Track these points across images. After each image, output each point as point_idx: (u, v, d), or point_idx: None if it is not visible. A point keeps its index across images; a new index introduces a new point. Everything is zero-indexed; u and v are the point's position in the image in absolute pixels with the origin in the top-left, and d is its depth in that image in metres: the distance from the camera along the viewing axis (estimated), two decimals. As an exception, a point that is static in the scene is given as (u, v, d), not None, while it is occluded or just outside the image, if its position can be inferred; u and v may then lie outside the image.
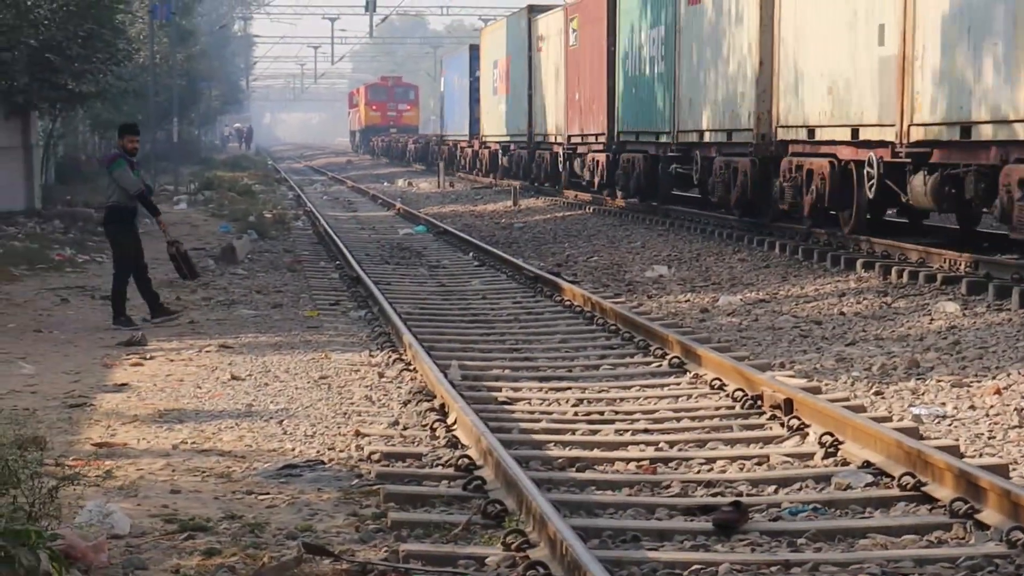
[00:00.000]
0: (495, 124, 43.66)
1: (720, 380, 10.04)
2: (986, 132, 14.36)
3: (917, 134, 15.69)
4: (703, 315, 14.29)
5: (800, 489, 7.40)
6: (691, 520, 6.81)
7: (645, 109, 26.65)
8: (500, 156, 43.47)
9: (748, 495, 7.27)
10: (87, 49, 25.61)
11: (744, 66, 20.78)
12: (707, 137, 22.85)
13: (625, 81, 28.21)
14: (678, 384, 10.40)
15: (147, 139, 20.70)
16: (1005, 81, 13.82)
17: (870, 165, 16.91)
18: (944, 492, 6.93)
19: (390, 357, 11.59)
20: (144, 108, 38.88)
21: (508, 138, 41.79)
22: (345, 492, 7.40)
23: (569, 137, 33.39)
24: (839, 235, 18.31)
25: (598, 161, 30.66)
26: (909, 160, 16.01)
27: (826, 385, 10.10)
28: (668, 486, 7.48)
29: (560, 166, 34.82)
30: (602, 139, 30.01)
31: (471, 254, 21.21)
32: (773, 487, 7.44)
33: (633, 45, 27.46)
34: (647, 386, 10.36)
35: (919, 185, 15.85)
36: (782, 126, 19.72)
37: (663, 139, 25.35)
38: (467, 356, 11.70)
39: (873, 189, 16.89)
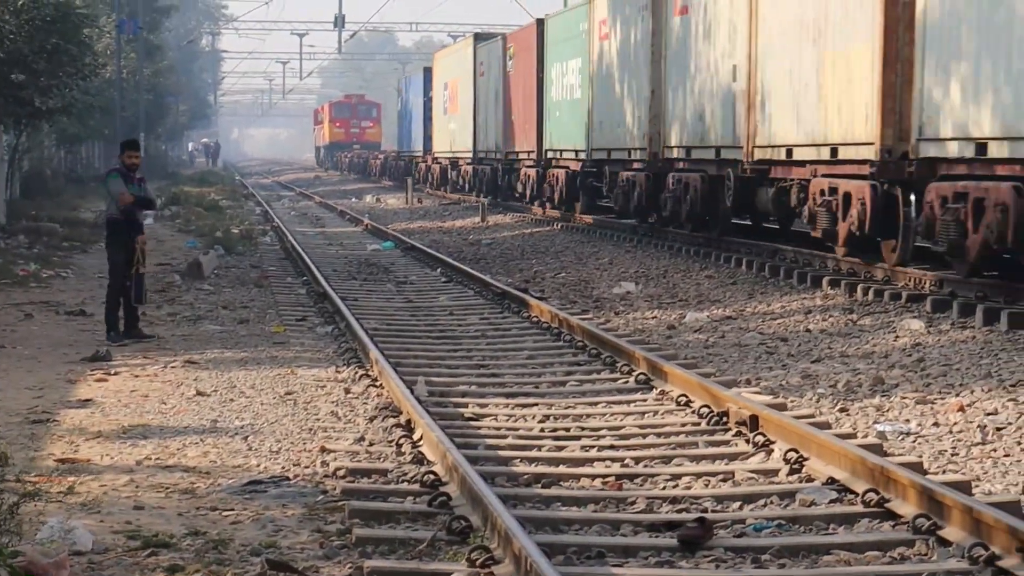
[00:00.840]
0: (445, 141, 46.86)
1: (686, 396, 10.07)
2: (802, 153, 17.73)
3: (759, 154, 19.07)
4: (670, 332, 14.32)
5: (765, 505, 7.42)
6: (656, 536, 6.82)
7: (566, 130, 30.30)
8: (449, 171, 46.64)
9: (713, 511, 7.28)
10: (53, 64, 25.44)
11: (641, 95, 24.34)
12: (613, 155, 26.71)
13: (551, 105, 31.82)
14: (644, 400, 10.42)
15: (115, 153, 20.61)
16: (813, 113, 17.26)
17: (728, 179, 20.55)
18: (907, 509, 6.96)
19: (356, 373, 11.57)
20: (111, 123, 38.75)
21: (456, 154, 44.73)
22: (310, 508, 7.38)
23: (507, 154, 36.88)
24: (712, 236, 21.72)
25: (530, 175, 34.10)
26: (755, 176, 19.52)
27: (792, 402, 10.13)
28: (633, 502, 7.48)
29: (499, 180, 38.11)
30: (533, 156, 33.50)
31: (439, 270, 21.20)
32: (738, 503, 7.45)
33: (557, 73, 31.24)
34: (613, 402, 10.37)
35: (763, 196, 19.53)
36: (667, 146, 23.32)
37: (581, 156, 29.03)
38: (434, 372, 11.69)
39: (731, 199, 20.59)
